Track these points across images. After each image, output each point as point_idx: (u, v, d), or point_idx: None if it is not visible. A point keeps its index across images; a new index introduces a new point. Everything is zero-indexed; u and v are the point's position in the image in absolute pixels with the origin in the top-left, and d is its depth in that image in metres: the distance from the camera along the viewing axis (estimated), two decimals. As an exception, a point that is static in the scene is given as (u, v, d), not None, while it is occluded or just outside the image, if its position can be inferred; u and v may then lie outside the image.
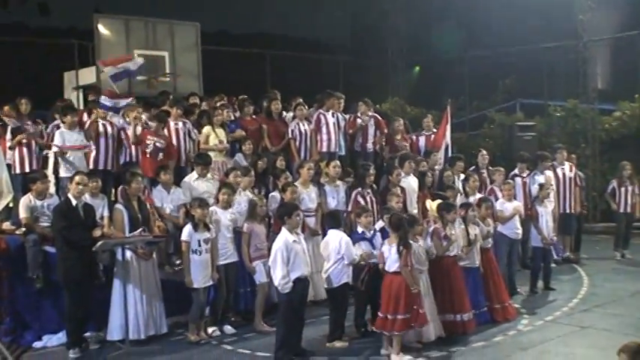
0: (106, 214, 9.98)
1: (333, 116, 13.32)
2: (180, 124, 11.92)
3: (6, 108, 11.50)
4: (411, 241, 9.02)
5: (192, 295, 9.57)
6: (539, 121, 19.45)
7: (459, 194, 12.11)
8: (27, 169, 10.89)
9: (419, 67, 26.45)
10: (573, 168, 14.66)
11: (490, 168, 13.48)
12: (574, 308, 10.97)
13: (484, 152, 14.02)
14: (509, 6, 22.64)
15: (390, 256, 8.92)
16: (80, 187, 9.29)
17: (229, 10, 28.55)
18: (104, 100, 11.51)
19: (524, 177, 13.51)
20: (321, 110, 13.38)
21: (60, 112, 11.19)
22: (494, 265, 10.64)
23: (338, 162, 12.20)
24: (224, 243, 9.95)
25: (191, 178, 11.11)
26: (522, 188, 13.22)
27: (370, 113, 13.87)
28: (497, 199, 11.96)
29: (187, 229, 9.59)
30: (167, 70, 15.12)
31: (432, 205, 10.63)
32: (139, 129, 11.23)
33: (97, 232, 9.18)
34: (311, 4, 30.90)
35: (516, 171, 13.63)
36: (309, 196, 11.42)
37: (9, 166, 10.67)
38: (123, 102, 11.74)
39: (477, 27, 25.36)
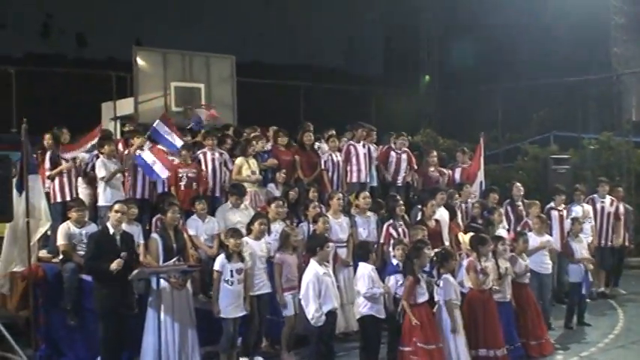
0: (141, 241, 10.07)
1: (364, 147, 13.39)
2: (217, 154, 12.07)
3: (47, 136, 11.69)
4: (447, 275, 9.09)
5: (223, 326, 9.57)
6: (574, 154, 19.34)
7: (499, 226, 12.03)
8: (67, 198, 10.99)
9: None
10: (614, 202, 14.56)
11: (525, 201, 13.41)
12: (609, 344, 10.83)
13: (519, 185, 13.93)
14: (544, 39, 22.67)
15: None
16: (119, 215, 9.39)
17: (264, 42, 28.91)
18: (158, 125, 11.64)
19: (560, 210, 13.43)
20: (351, 141, 13.46)
21: (97, 142, 11.39)
22: (531, 300, 10.55)
23: (367, 193, 12.20)
24: (257, 274, 9.95)
25: (225, 208, 11.20)
26: (559, 222, 13.14)
27: (404, 148, 13.91)
28: (530, 230, 11.89)
29: (220, 258, 9.60)
30: (203, 102, 15.30)
31: (464, 237, 10.60)
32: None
33: (114, 266, 9.05)
34: (345, 36, 31.15)
35: (552, 204, 13.56)
36: (340, 227, 11.42)
37: (47, 195, 10.82)
38: (177, 140, 11.72)
39: (510, 59, 25.36)
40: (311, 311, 8.76)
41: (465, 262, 9.91)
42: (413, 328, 8.95)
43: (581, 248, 12.17)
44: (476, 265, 9.63)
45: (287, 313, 10.09)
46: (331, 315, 8.98)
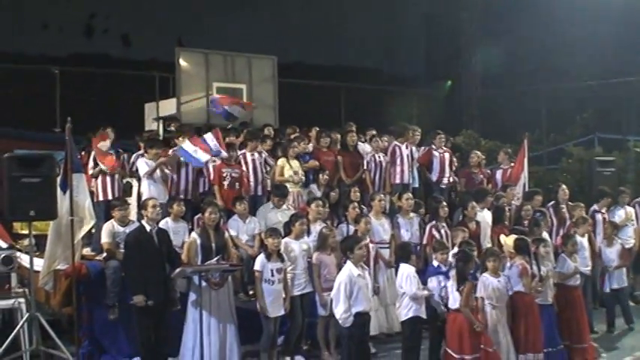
0: (187, 239, 10.11)
1: (407, 148, 13.32)
2: (257, 154, 12.09)
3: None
4: (490, 276, 8.98)
5: (263, 324, 9.63)
6: (618, 156, 19.02)
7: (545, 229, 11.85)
8: (110, 197, 11.11)
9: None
10: (655, 204, 14.32)
11: (570, 203, 13.23)
12: (655, 349, 10.67)
13: (564, 187, 13.68)
14: (588, 40, 22.37)
15: (452, 292, 8.91)
16: (158, 209, 9.51)
17: (306, 42, 28.90)
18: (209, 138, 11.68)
19: (603, 213, 13.24)
20: (396, 142, 13.38)
21: (145, 142, 11.49)
22: (579, 303, 10.40)
23: (410, 194, 12.17)
24: (299, 273, 10.00)
25: (267, 208, 11.24)
26: (603, 224, 12.94)
27: (444, 147, 13.80)
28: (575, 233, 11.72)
29: (260, 258, 9.65)
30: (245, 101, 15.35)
31: (506, 240, 10.47)
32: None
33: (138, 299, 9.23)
34: (386, 37, 31.02)
35: (596, 207, 13.37)
36: (382, 228, 11.40)
37: (91, 194, 10.92)
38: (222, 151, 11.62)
39: (554, 59, 25.05)
40: (339, 311, 8.74)
41: (509, 264, 9.77)
42: (457, 336, 8.84)
43: (611, 252, 12.06)
44: (528, 269, 9.50)
45: (321, 313, 10.12)
46: (363, 317, 8.93)
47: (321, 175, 12.30)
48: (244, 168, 11.85)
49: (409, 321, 9.27)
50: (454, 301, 8.96)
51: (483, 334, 8.81)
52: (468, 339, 8.74)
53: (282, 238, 9.95)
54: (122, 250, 9.77)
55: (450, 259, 9.67)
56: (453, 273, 9.29)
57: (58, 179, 10.06)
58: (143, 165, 11.03)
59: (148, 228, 9.41)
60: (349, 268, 8.88)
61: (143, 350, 9.35)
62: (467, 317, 8.79)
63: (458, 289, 8.88)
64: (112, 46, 27.71)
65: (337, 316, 8.80)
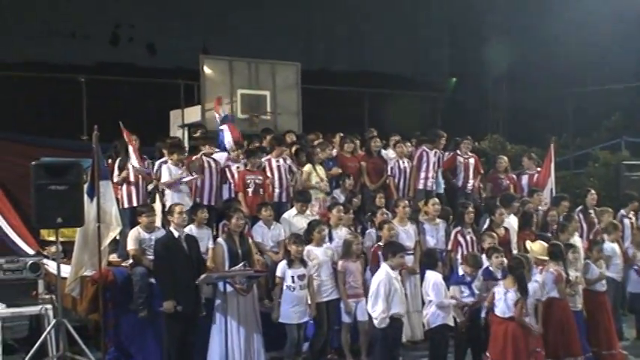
0: (210, 245, 10.15)
1: (434, 155, 13.26)
2: (282, 160, 12.08)
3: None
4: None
5: (287, 331, 9.61)
6: (646, 160, 18.82)
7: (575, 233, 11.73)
8: (135, 204, 11.13)
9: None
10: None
11: (597, 209, 13.09)
12: (685, 356, 10.52)
13: (593, 192, 13.54)
14: (614, 42, 22.19)
15: (504, 300, 8.79)
16: (184, 216, 9.52)
17: (329, 49, 28.95)
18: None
19: (631, 217, 13.08)
20: (424, 148, 13.31)
21: (168, 149, 11.52)
22: (606, 309, 10.31)
23: (437, 200, 12.10)
24: (324, 280, 9.99)
25: (290, 214, 11.21)
26: (631, 229, 12.79)
27: (469, 152, 13.72)
28: (604, 240, 11.60)
29: (282, 265, 9.68)
30: (268, 109, 15.40)
31: (532, 246, 10.39)
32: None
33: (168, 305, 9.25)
34: (410, 43, 30.96)
35: (623, 211, 13.21)
36: (406, 234, 11.31)
37: (117, 201, 10.97)
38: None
39: (579, 63, 24.86)
40: (378, 310, 8.70)
41: (536, 270, 9.68)
42: (512, 345, 8.73)
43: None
44: (563, 276, 9.44)
45: (345, 320, 10.09)
46: (397, 321, 8.90)
47: (347, 180, 12.27)
48: (269, 174, 11.83)
49: (437, 329, 9.21)
50: (506, 309, 8.81)
51: (540, 337, 8.78)
52: (524, 345, 8.68)
53: (306, 245, 9.95)
54: (148, 257, 9.83)
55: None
56: (477, 283, 9.27)
57: (86, 186, 10.11)
58: (166, 172, 11.03)
59: (176, 234, 9.44)
60: (386, 269, 8.86)
61: (171, 357, 9.35)
62: (524, 325, 8.71)
63: (519, 300, 8.73)
64: (137, 54, 27.91)
65: (374, 316, 8.76)
